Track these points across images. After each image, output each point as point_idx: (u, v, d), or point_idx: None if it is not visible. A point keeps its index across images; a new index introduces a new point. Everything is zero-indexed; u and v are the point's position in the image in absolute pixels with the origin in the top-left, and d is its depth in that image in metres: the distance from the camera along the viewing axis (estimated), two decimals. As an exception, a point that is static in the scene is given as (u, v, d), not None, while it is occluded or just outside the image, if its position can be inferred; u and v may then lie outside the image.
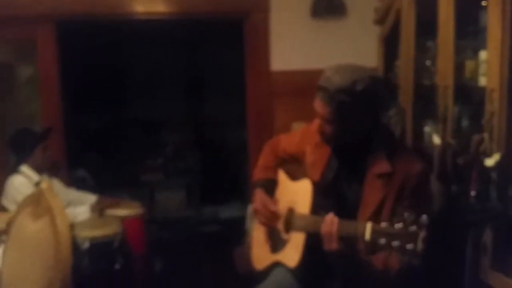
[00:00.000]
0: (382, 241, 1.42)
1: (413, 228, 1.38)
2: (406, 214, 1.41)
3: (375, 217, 1.62)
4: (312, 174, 1.82)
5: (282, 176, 2.02)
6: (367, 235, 1.47)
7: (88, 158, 5.50)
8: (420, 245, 1.36)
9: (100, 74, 5.94)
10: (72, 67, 3.77)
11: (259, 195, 2.01)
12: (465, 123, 2.01)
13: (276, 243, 1.93)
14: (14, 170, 2.99)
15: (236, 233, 3.65)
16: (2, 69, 3.34)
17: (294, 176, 1.94)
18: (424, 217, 1.38)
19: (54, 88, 3.37)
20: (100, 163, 5.67)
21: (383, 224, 1.44)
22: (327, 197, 1.77)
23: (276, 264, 1.90)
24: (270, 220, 1.96)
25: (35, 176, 2.96)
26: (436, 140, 2.07)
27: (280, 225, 1.92)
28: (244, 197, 4.76)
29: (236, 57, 3.95)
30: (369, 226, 1.48)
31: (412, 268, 1.55)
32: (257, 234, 2.09)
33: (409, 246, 1.37)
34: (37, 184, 2.91)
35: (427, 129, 2.28)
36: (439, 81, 2.07)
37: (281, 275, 1.87)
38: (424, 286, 1.93)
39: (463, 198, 1.85)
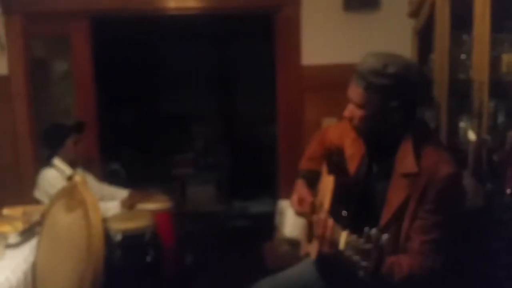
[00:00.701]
0: (349, 253, 1.44)
1: (369, 246, 1.38)
2: (372, 231, 1.40)
3: (398, 218, 1.60)
4: (350, 167, 1.83)
5: (324, 168, 2.02)
6: (341, 245, 1.48)
7: (121, 152, 5.63)
8: (371, 264, 1.37)
9: (132, 69, 6.06)
10: (105, 62, 3.86)
11: (298, 187, 2.04)
12: (501, 119, 1.96)
13: (312, 233, 1.96)
14: (46, 163, 3.09)
15: (265, 228, 3.69)
16: (38, 64, 3.45)
17: (335, 168, 1.93)
18: (384, 237, 1.38)
19: (88, 83, 3.47)
20: (133, 157, 5.78)
21: (353, 237, 1.44)
22: (357, 193, 1.76)
23: None
24: (302, 213, 1.99)
25: (67, 170, 3.04)
26: (471, 136, 2.03)
27: (314, 218, 1.94)
28: (274, 193, 4.76)
29: (267, 52, 3.96)
30: (344, 235, 1.48)
31: (438, 270, 1.55)
32: (304, 223, 2.14)
33: (363, 263, 1.39)
34: (69, 177, 3.01)
35: (462, 124, 2.24)
36: (475, 75, 2.02)
37: (306, 264, 1.96)
38: (459, 286, 1.90)
39: (498, 195, 1.82)
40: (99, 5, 3.29)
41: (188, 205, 5.34)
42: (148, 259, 2.68)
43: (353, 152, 1.85)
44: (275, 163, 4.38)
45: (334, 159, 1.99)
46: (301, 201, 1.99)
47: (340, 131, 1.99)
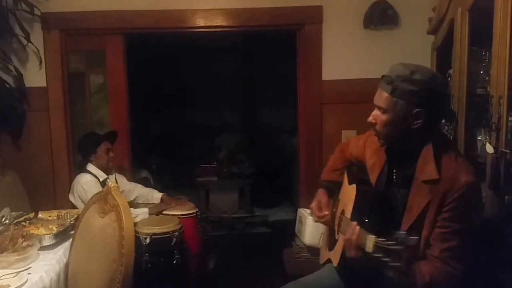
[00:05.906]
0: (379, 255, 1.43)
1: (400, 247, 1.38)
2: (400, 234, 1.41)
3: (419, 225, 1.58)
4: (371, 178, 1.82)
5: (345, 178, 2.02)
6: (369, 247, 1.47)
7: (150, 160, 5.68)
8: (403, 265, 1.38)
9: (162, 82, 6.14)
10: (137, 75, 3.91)
11: (318, 195, 2.05)
12: (519, 132, 1.91)
13: (333, 241, 1.95)
14: (81, 169, 3.14)
15: (285, 235, 3.66)
16: (75, 77, 3.51)
17: (355, 179, 1.92)
18: (413, 239, 1.40)
19: (122, 95, 3.52)
20: (161, 165, 5.83)
21: (382, 240, 1.44)
22: (378, 201, 1.74)
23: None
24: (320, 221, 2.01)
25: (101, 175, 3.09)
26: (489, 149, 1.98)
27: (336, 226, 1.93)
28: (294, 201, 4.74)
29: (289, 66, 3.96)
30: (371, 239, 1.47)
31: (457, 277, 1.52)
32: (325, 231, 2.15)
33: (394, 264, 1.39)
34: (102, 182, 3.04)
35: (480, 137, 2.19)
36: (493, 90, 1.98)
37: (327, 270, 1.96)
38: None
39: (516, 208, 1.77)
40: (132, 23, 3.33)
41: (211, 211, 5.35)
42: (175, 262, 2.68)
43: (374, 162, 1.84)
44: (295, 173, 4.37)
45: (354, 170, 1.99)
46: (320, 208, 1.99)
47: (361, 143, 2.00)
